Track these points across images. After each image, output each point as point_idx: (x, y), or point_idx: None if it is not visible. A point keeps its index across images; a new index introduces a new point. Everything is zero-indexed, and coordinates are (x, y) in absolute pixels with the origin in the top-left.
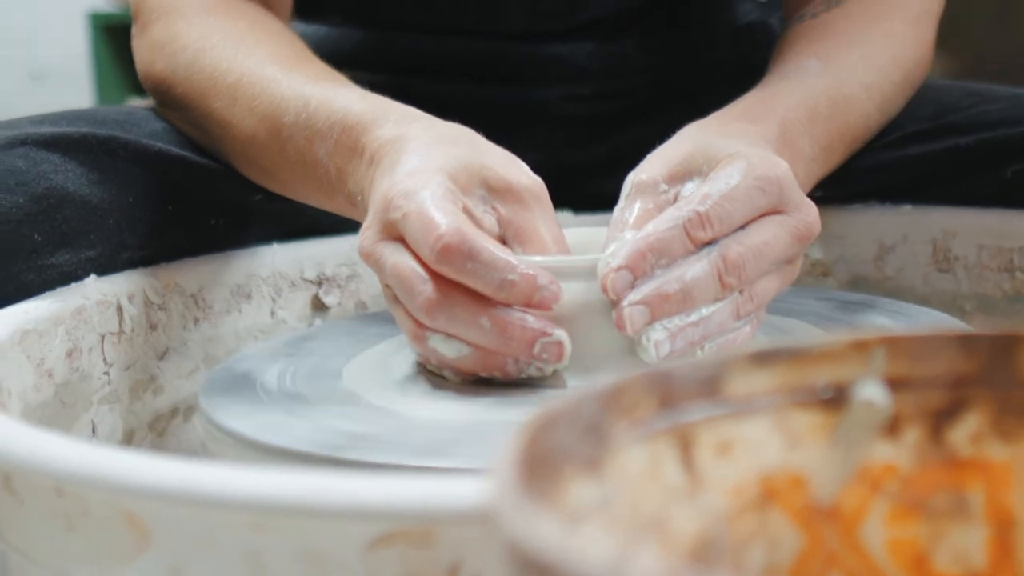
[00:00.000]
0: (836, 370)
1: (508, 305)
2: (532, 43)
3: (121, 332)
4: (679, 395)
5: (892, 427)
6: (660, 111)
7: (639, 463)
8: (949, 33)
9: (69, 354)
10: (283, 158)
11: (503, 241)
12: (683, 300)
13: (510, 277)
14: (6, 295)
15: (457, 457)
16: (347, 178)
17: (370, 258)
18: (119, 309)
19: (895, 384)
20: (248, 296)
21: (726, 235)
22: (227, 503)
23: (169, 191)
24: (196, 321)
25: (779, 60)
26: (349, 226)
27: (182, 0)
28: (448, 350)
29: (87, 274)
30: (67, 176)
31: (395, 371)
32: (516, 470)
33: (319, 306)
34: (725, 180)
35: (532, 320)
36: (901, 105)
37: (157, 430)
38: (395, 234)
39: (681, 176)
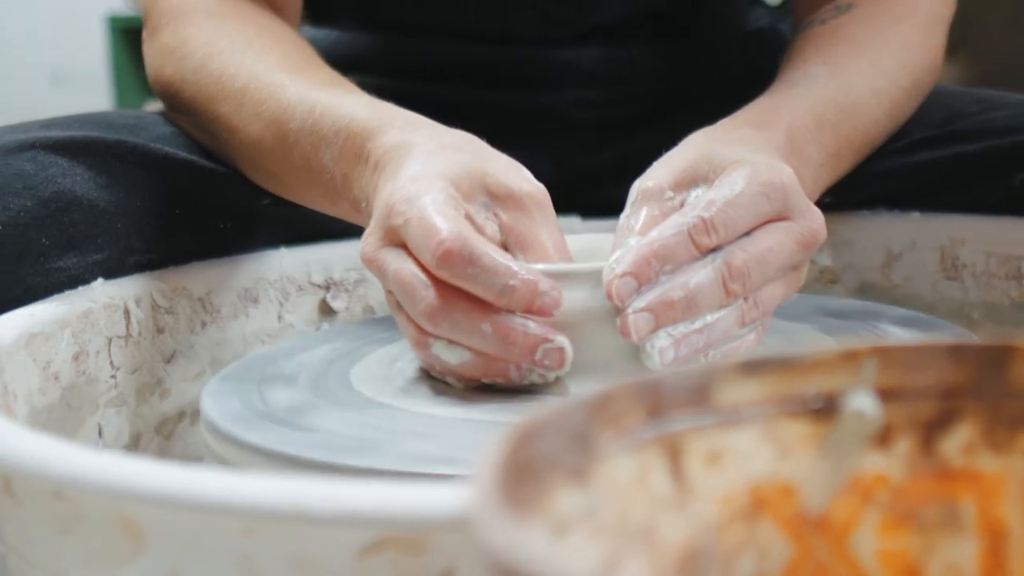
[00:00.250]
0: (827, 380)
1: (510, 311)
2: (541, 48)
3: (128, 335)
4: (668, 404)
5: (883, 437)
6: (669, 117)
7: (626, 472)
8: (965, 39)
9: (76, 357)
10: (289, 163)
11: (505, 248)
12: (687, 307)
13: (511, 282)
14: (14, 298)
15: (455, 464)
16: (352, 184)
17: (372, 264)
18: (126, 312)
19: (886, 394)
20: (256, 300)
21: (731, 242)
22: (219, 508)
23: (177, 195)
24: (203, 325)
25: (787, 67)
26: (357, 231)
27: (191, 5)
28: (450, 356)
29: (95, 277)
30: (75, 180)
31: (398, 377)
32: (497, 478)
33: (327, 310)
34: (730, 186)
35: (534, 326)
36: (911, 111)
37: (164, 433)
38: (397, 240)
39: (687, 183)
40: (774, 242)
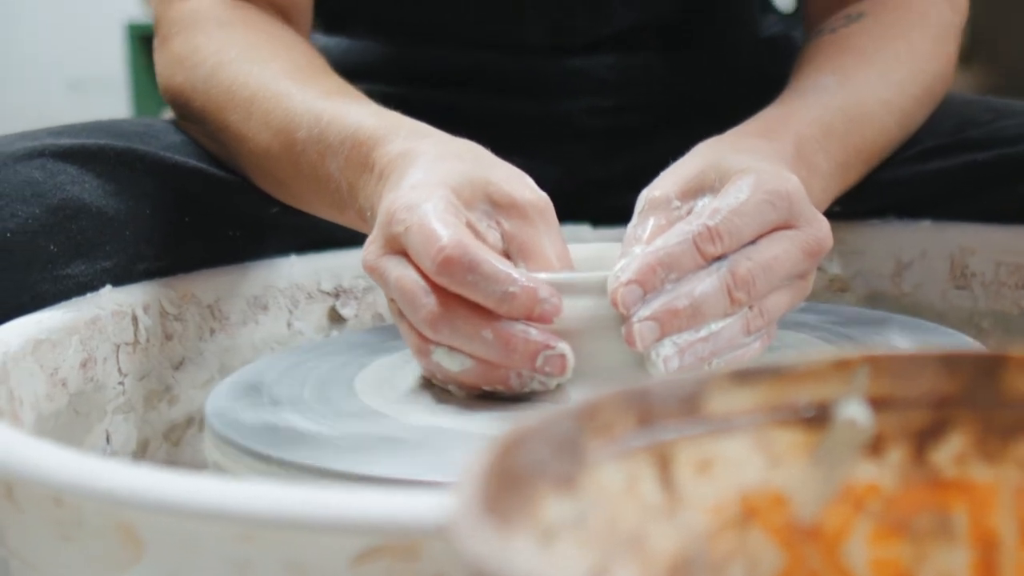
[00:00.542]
0: (818, 389)
1: (511, 319)
2: (554, 56)
3: (136, 342)
4: (657, 413)
5: (875, 447)
6: (681, 124)
7: (616, 480)
8: (979, 48)
9: (83, 364)
10: (296, 172)
11: (507, 256)
12: (692, 315)
13: (511, 289)
14: (22, 305)
15: (452, 472)
16: (358, 193)
17: (374, 272)
18: (134, 319)
19: (878, 404)
20: (265, 307)
21: (736, 250)
22: (216, 515)
23: (186, 203)
24: (212, 332)
25: (797, 76)
26: (366, 239)
27: (201, 14)
28: (452, 364)
29: (103, 284)
30: (84, 187)
31: (401, 385)
32: (481, 487)
33: (336, 318)
34: (735, 195)
35: (535, 333)
36: (922, 120)
37: (172, 440)
38: (398, 248)
39: (694, 192)
40: (780, 250)
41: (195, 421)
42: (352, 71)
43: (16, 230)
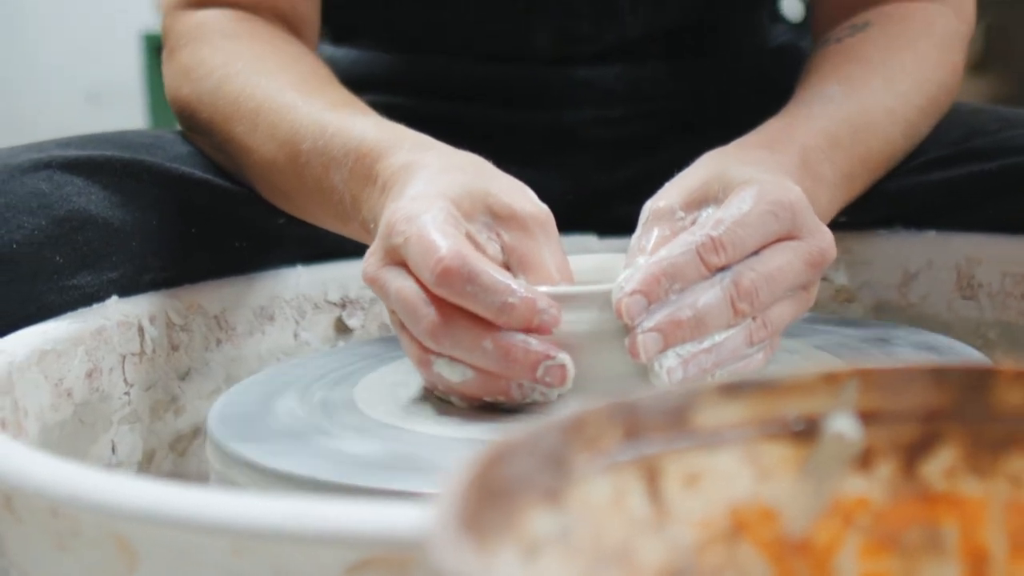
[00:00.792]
0: (807, 402)
1: (510, 330)
2: (561, 67)
3: (142, 353)
4: (645, 426)
5: (864, 460)
6: (688, 134)
7: (602, 494)
8: (993, 57)
9: (89, 374)
10: (301, 184)
11: (507, 268)
12: (696, 327)
13: (510, 300)
14: (28, 316)
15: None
16: (361, 205)
17: (375, 284)
18: (140, 330)
19: (867, 417)
20: (271, 318)
21: (739, 261)
22: (208, 527)
23: (192, 214)
24: (219, 342)
25: (802, 86)
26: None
27: (208, 26)
28: (452, 374)
29: (109, 295)
30: (90, 199)
31: (402, 396)
32: (460, 500)
33: (342, 328)
34: (738, 205)
35: (535, 343)
36: (928, 130)
37: (178, 450)
38: (398, 259)
39: (698, 203)
40: (783, 261)
41: (201, 432)
42: (359, 82)
43: (22, 241)
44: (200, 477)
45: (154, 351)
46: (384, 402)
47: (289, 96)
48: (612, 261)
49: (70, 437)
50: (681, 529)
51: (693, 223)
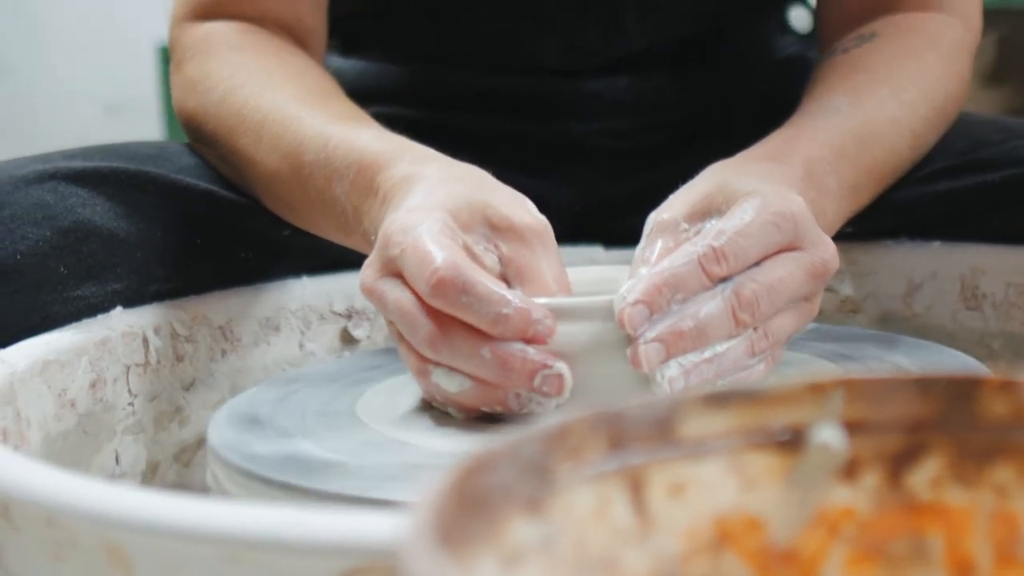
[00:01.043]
0: (793, 413)
1: (506, 340)
2: (568, 79)
3: (147, 363)
4: (630, 436)
5: (850, 470)
6: (696, 145)
7: (586, 504)
8: (1008, 67)
9: (93, 385)
10: (304, 195)
11: (505, 280)
12: (697, 337)
13: (504, 311)
14: (32, 326)
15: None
16: (363, 217)
17: (372, 295)
18: (144, 340)
19: (853, 427)
20: (277, 329)
21: (741, 271)
22: (200, 536)
23: (197, 225)
24: (224, 353)
25: (808, 97)
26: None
27: (214, 39)
28: (450, 384)
29: (114, 306)
30: (95, 210)
31: (402, 407)
32: (436, 509)
33: (348, 339)
34: (740, 216)
35: (532, 352)
36: (934, 140)
37: (183, 461)
38: (394, 270)
39: (701, 215)
40: (784, 272)
41: (206, 442)
42: (367, 93)
43: (27, 252)
44: (204, 488)
45: (159, 362)
46: (383, 413)
47: (293, 108)
48: (615, 273)
49: (73, 447)
50: (666, 539)
51: (697, 235)
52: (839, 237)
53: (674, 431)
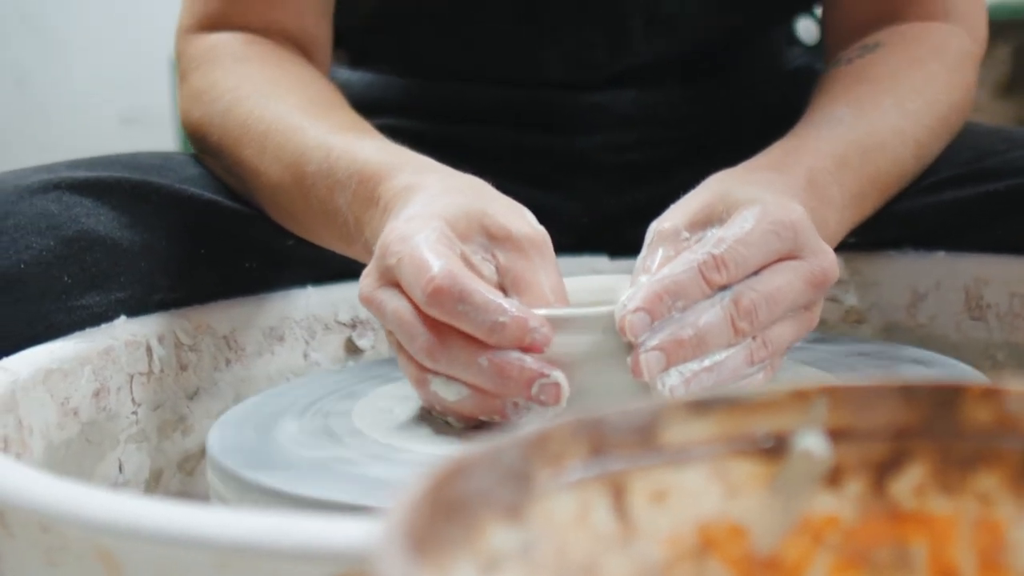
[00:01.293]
0: (776, 420)
1: (503, 349)
2: (574, 92)
3: (150, 372)
4: (611, 443)
5: (834, 478)
6: (703, 157)
7: (566, 510)
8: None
9: (96, 393)
10: (307, 206)
11: (502, 290)
12: (697, 345)
13: (500, 319)
14: (36, 335)
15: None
16: (364, 227)
17: (371, 304)
18: (148, 350)
19: (836, 434)
20: (281, 338)
21: (741, 279)
22: (191, 542)
23: (202, 235)
24: (228, 362)
25: (811, 107)
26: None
27: (219, 50)
28: (448, 393)
29: (118, 315)
30: (99, 219)
31: (400, 417)
32: (411, 514)
33: (353, 349)
34: (740, 224)
35: (530, 361)
36: (938, 150)
37: (186, 470)
38: (392, 279)
39: (702, 224)
40: (783, 281)
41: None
42: (374, 105)
43: (30, 261)
44: (207, 497)
45: (162, 371)
46: (382, 422)
47: (296, 119)
48: (615, 282)
49: (76, 456)
50: (648, 546)
51: (698, 243)
52: (843, 247)
53: (656, 438)
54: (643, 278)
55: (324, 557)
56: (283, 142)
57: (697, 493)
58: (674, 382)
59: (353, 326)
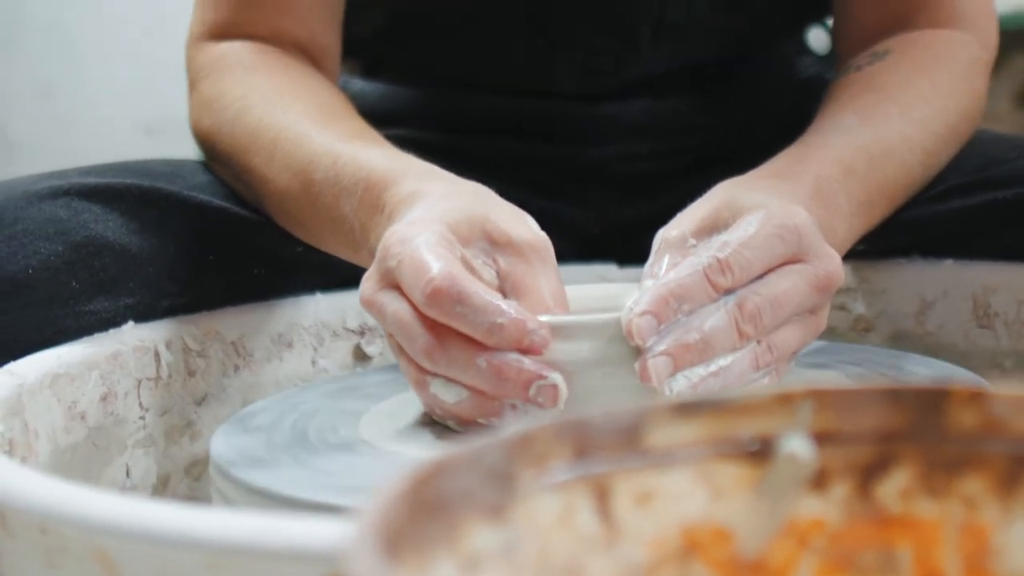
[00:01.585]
0: (762, 422)
1: (501, 351)
2: (585, 102)
3: (158, 377)
4: (596, 445)
5: (819, 481)
6: (715, 167)
7: (549, 511)
8: None
9: (103, 398)
10: (314, 213)
11: (503, 294)
12: (703, 350)
13: (499, 320)
14: (44, 340)
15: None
16: (369, 234)
17: (372, 307)
18: (156, 355)
19: (822, 438)
20: (290, 344)
21: (745, 283)
22: (185, 543)
23: (210, 241)
24: (236, 368)
25: (820, 115)
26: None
27: (229, 58)
28: (447, 395)
29: (126, 321)
30: (107, 225)
31: (403, 422)
32: (386, 514)
33: (361, 356)
34: (744, 228)
35: (528, 363)
36: (947, 158)
37: (193, 475)
38: (392, 282)
39: (708, 231)
40: (788, 285)
41: None
42: (386, 115)
43: (39, 267)
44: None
45: (170, 376)
46: (385, 428)
47: (304, 127)
48: (621, 290)
49: (83, 460)
50: (632, 548)
51: (704, 248)
52: (851, 255)
53: (641, 440)
54: (648, 283)
55: (316, 557)
56: (291, 150)
57: (682, 496)
58: (681, 387)
59: (361, 333)
